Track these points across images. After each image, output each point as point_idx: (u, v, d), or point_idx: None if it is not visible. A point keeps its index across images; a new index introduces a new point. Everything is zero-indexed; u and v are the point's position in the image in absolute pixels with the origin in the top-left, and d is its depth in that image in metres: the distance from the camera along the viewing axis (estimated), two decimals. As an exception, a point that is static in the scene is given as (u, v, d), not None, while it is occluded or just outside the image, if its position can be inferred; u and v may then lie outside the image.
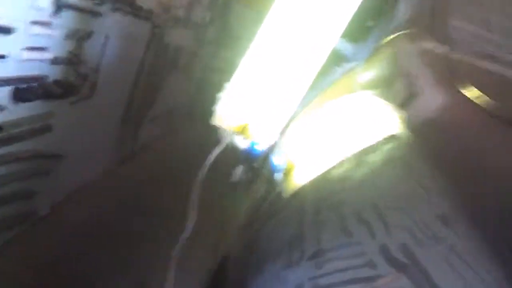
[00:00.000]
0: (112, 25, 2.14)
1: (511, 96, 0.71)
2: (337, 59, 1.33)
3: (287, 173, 1.12)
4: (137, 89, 2.77)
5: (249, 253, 1.04)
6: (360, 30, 1.31)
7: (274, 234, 0.97)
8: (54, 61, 1.82)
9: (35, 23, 1.61)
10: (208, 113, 1.26)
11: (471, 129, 0.68)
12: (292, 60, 1.21)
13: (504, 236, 0.52)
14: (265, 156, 1.22)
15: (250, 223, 1.18)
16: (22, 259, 1.86)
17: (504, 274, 0.50)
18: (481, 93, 0.69)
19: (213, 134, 1.26)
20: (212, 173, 1.27)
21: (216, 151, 1.22)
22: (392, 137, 0.86)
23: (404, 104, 0.86)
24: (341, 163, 0.95)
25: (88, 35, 1.98)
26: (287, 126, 1.25)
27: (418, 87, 0.83)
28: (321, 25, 1.19)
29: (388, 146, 0.85)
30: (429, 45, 0.97)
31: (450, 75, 0.81)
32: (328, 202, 0.84)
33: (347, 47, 1.32)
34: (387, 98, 0.94)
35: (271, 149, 1.25)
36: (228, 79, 1.25)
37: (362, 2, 1.32)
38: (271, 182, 1.15)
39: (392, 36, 1.13)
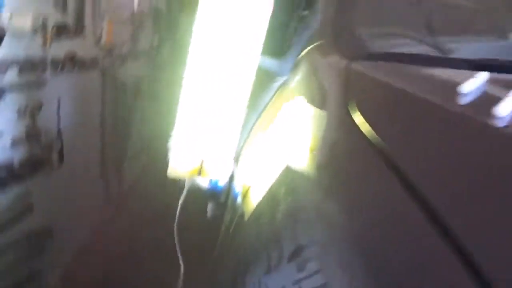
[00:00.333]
0: (60, 87, 2.16)
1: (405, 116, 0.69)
2: (269, 78, 1.37)
3: (244, 195, 1.16)
4: (107, 138, 2.81)
5: (231, 274, 1.02)
6: (283, 45, 1.35)
7: (248, 243, 0.95)
8: (14, 143, 1.84)
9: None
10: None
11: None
12: (221, 88, 1.25)
13: None
14: (227, 187, 1.28)
15: (224, 250, 1.21)
16: None
17: None
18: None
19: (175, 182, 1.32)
20: (186, 219, 1.33)
21: (181, 200, 1.28)
22: None
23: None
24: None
25: (39, 106, 2.01)
26: (238, 153, 1.30)
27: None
28: (238, 46, 1.22)
29: None
30: (332, 58, 1.00)
31: (345, 92, 0.82)
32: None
33: (274, 64, 1.36)
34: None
35: (231, 179, 1.30)
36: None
37: (278, 16, 1.36)
38: (234, 209, 1.19)
39: (306, 50, 1.17)
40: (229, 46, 1.22)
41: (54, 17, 2.04)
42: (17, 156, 1.88)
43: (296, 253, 0.69)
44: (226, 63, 1.21)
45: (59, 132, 2.19)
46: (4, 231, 1.82)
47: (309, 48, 1.16)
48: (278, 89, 1.28)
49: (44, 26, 1.93)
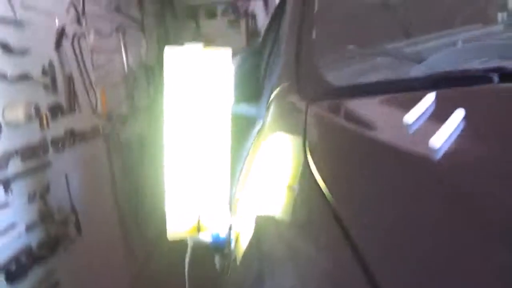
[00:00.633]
0: (65, 164, 2.24)
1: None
2: (250, 123, 1.41)
3: (236, 240, 1.18)
4: (121, 201, 2.88)
5: None
6: (257, 89, 1.38)
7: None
8: (29, 229, 1.91)
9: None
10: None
11: None
12: (201, 142, 1.28)
13: None
14: (227, 238, 1.30)
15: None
16: None
17: None
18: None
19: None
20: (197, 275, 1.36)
21: (187, 258, 1.30)
22: None
23: None
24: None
25: (47, 187, 2.08)
26: (231, 202, 1.32)
27: None
28: (209, 99, 1.26)
29: None
30: (294, 100, 1.02)
31: (303, 138, 0.83)
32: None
33: (252, 109, 1.39)
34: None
35: (230, 227, 1.33)
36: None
37: (248, 61, 1.40)
38: (230, 254, 1.21)
39: (274, 92, 1.19)
40: (201, 100, 1.26)
41: (46, 100, 2.13)
42: (34, 239, 1.94)
43: None
44: (200, 117, 1.25)
45: (72, 206, 2.26)
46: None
47: (276, 90, 1.19)
48: (256, 134, 1.31)
49: (37, 111, 2.01)
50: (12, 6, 1.89)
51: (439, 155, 0.58)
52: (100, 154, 2.74)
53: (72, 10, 2.49)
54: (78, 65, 2.49)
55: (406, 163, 0.61)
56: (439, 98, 0.75)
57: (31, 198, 1.95)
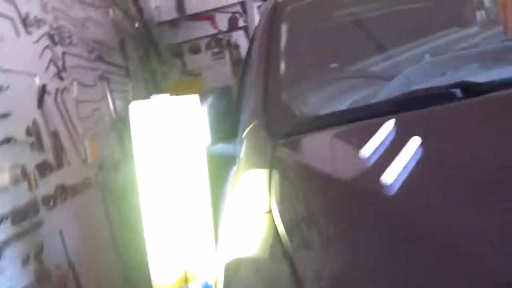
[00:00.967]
0: (58, 220, 2.22)
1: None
2: (228, 163, 1.40)
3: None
4: (122, 249, 2.85)
5: None
6: (232, 127, 1.38)
7: None
8: (25, 292, 1.89)
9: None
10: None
11: None
12: (179, 190, 1.27)
13: None
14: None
15: None
16: None
17: None
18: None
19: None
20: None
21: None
22: None
23: None
24: None
25: (41, 247, 2.06)
26: (217, 248, 1.30)
27: None
28: (182, 145, 1.26)
29: None
30: (262, 138, 1.02)
31: (268, 180, 0.82)
32: None
33: (228, 148, 1.39)
34: None
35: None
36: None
37: (221, 101, 1.40)
38: None
39: (246, 130, 1.19)
40: (173, 149, 1.26)
41: (33, 159, 2.13)
42: (32, 302, 1.91)
43: None
44: (175, 165, 1.24)
45: (69, 262, 2.23)
46: None
47: (248, 128, 1.19)
48: (233, 173, 1.30)
49: (24, 172, 2.01)
50: (-12, 73, 1.91)
51: (392, 192, 0.56)
52: (94, 205, 2.72)
53: (52, 67, 2.52)
54: (63, 119, 2.51)
55: (361, 204, 0.60)
56: (398, 124, 0.75)
57: (25, 260, 1.93)
